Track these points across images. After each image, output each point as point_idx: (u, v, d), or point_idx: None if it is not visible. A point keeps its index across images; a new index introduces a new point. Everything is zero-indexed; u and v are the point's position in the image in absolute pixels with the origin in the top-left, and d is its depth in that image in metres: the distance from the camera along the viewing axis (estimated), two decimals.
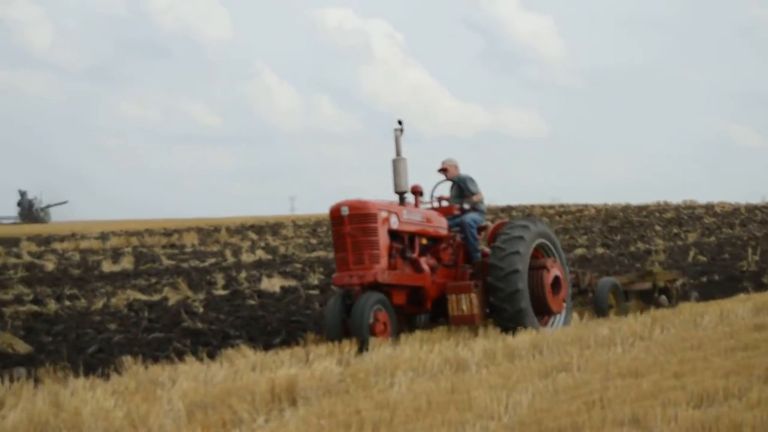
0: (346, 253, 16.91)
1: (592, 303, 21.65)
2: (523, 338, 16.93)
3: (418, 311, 18.63)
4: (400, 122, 18.21)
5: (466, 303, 17.44)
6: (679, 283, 24.95)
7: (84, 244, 45.04)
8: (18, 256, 38.77)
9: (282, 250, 44.43)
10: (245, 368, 13.76)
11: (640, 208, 68.63)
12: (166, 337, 18.43)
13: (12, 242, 44.35)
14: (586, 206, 71.67)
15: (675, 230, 52.45)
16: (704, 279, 31.02)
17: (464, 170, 20.61)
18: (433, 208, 19.74)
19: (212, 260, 38.94)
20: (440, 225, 18.99)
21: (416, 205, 18.95)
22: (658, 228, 53.98)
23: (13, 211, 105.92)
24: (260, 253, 41.94)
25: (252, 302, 23.86)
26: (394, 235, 17.58)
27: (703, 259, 37.83)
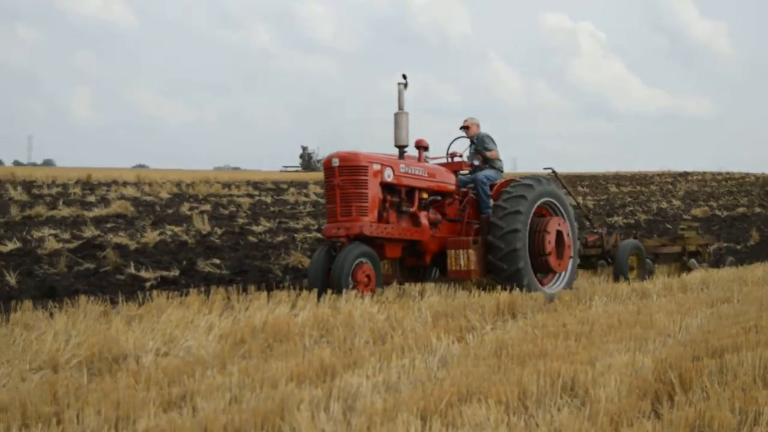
0: (335, 204, 13.70)
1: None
2: (694, 276, 16.72)
3: (418, 264, 15.21)
4: (404, 76, 14.74)
5: (464, 258, 14.19)
6: (713, 247, 21.25)
7: None
8: (306, 195, 39.37)
9: None
10: (477, 289, 13.84)
11: None
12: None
13: (302, 185, 45.01)
14: (747, 174, 69.55)
15: None
16: None
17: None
18: (444, 164, 16.03)
19: None
20: (445, 180, 15.32)
21: (420, 159, 15.28)
22: None
23: (297, 161, 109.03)
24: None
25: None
26: (390, 188, 14.20)
27: None
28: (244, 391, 6.48)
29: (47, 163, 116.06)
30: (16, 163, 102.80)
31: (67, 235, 21.02)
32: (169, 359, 8.06)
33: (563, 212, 15.74)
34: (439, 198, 15.46)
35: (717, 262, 20.90)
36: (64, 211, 26.32)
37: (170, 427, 5.23)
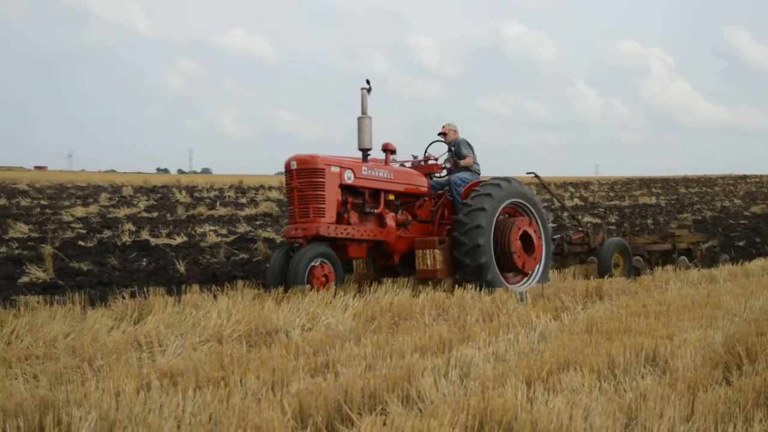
0: (293, 206, 11.90)
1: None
2: (755, 264, 16.43)
3: (387, 264, 13.06)
4: (368, 81, 12.58)
5: (431, 258, 12.24)
6: (706, 245, 18.41)
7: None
8: None
9: (591, 199, 43.87)
10: (569, 276, 13.74)
11: None
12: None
13: None
14: None
15: None
16: None
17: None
18: (419, 167, 13.86)
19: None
20: (415, 182, 13.24)
21: (386, 162, 13.11)
22: None
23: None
24: (576, 201, 41.51)
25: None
26: (352, 190, 12.29)
27: None
28: (376, 360, 6.56)
29: (205, 171, 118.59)
30: (180, 172, 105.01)
31: (224, 231, 21.45)
32: (313, 333, 8.18)
33: (533, 213, 13.56)
34: (412, 199, 13.36)
35: (711, 260, 18.24)
36: (221, 211, 26.87)
37: (317, 389, 5.32)
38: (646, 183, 60.21)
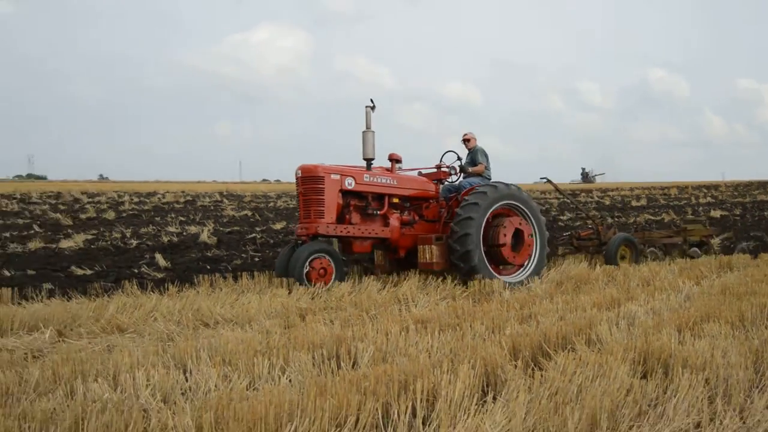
0: (300, 208, 9.92)
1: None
2: None
3: (395, 258, 10.69)
4: (372, 101, 10.13)
5: (429, 252, 9.85)
6: (720, 238, 15.27)
7: (619, 192, 43.54)
8: (590, 196, 38.07)
9: (719, 197, 41.17)
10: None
11: None
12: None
13: (587, 192, 43.60)
14: None
15: None
16: None
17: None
18: (431, 173, 11.12)
19: (679, 203, 36.65)
20: (418, 187, 10.63)
21: (392, 170, 10.61)
22: None
23: (578, 177, 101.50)
24: (709, 199, 39.08)
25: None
26: (354, 194, 10.12)
27: None
28: (565, 312, 6.41)
29: None
30: None
31: None
32: (519, 293, 8.09)
33: (527, 213, 10.50)
34: (420, 201, 10.78)
35: (727, 251, 14.05)
36: None
37: (524, 332, 5.25)
38: (763, 185, 55.94)
